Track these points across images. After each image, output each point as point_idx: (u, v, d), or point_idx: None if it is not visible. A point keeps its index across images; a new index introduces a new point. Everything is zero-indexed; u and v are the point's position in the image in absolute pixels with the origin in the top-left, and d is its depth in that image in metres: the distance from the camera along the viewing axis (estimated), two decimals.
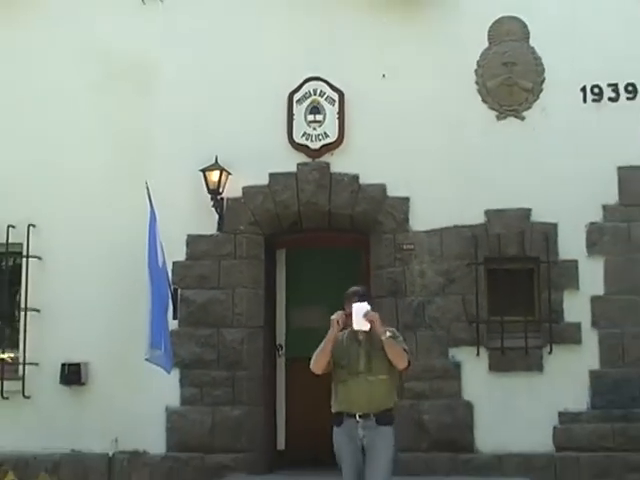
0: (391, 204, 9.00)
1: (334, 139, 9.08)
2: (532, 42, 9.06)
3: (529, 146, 8.89)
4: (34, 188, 9.26)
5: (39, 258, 9.20)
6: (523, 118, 9.00)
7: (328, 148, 9.11)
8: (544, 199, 8.79)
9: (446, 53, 9.06)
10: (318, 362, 5.96)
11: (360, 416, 5.86)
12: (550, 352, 8.62)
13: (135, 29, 9.40)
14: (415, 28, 9.10)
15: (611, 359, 8.61)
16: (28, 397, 9.01)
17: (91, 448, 8.90)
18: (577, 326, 8.66)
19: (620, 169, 8.78)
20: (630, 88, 8.88)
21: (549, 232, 8.76)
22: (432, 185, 8.90)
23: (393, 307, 8.80)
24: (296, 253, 9.88)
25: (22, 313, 9.11)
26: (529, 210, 8.83)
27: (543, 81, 9.00)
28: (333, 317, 5.91)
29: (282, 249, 9.80)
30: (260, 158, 9.04)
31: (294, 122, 9.13)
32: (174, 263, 9.02)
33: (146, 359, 8.17)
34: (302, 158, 9.16)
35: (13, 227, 9.16)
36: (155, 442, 8.87)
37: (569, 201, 8.74)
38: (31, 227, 9.17)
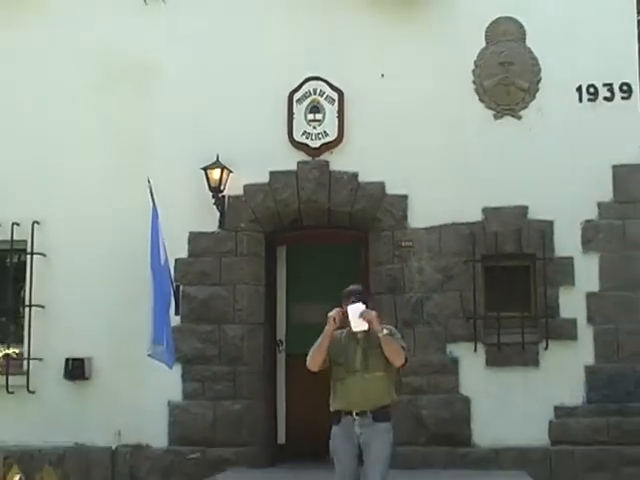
0: (390, 202, 9.05)
1: (334, 138, 9.14)
2: (529, 42, 9.09)
3: (526, 145, 8.93)
4: (35, 188, 9.30)
5: (43, 255, 9.26)
6: (520, 117, 9.05)
7: (328, 147, 9.17)
8: (540, 197, 8.83)
9: (444, 53, 9.10)
10: (314, 359, 5.90)
11: (357, 414, 5.79)
12: (546, 347, 8.69)
13: (137, 29, 9.44)
14: (414, 28, 9.14)
15: (606, 354, 8.67)
16: (33, 392, 9.08)
17: (94, 442, 8.98)
18: (573, 322, 8.71)
19: (615, 167, 8.83)
20: (625, 88, 8.92)
21: (545, 229, 8.81)
22: (430, 183, 8.95)
23: (392, 303, 8.86)
24: (296, 250, 9.92)
25: (27, 309, 9.19)
26: (526, 208, 8.88)
27: (539, 81, 9.05)
28: (330, 314, 5.86)
29: (282, 246, 9.84)
30: (261, 157, 9.09)
31: (294, 121, 9.19)
32: (176, 260, 9.07)
33: (148, 355, 8.24)
34: (302, 157, 9.21)
35: (17, 224, 9.20)
36: (158, 436, 8.95)
37: (565, 199, 8.78)
38: (35, 224, 9.22)
